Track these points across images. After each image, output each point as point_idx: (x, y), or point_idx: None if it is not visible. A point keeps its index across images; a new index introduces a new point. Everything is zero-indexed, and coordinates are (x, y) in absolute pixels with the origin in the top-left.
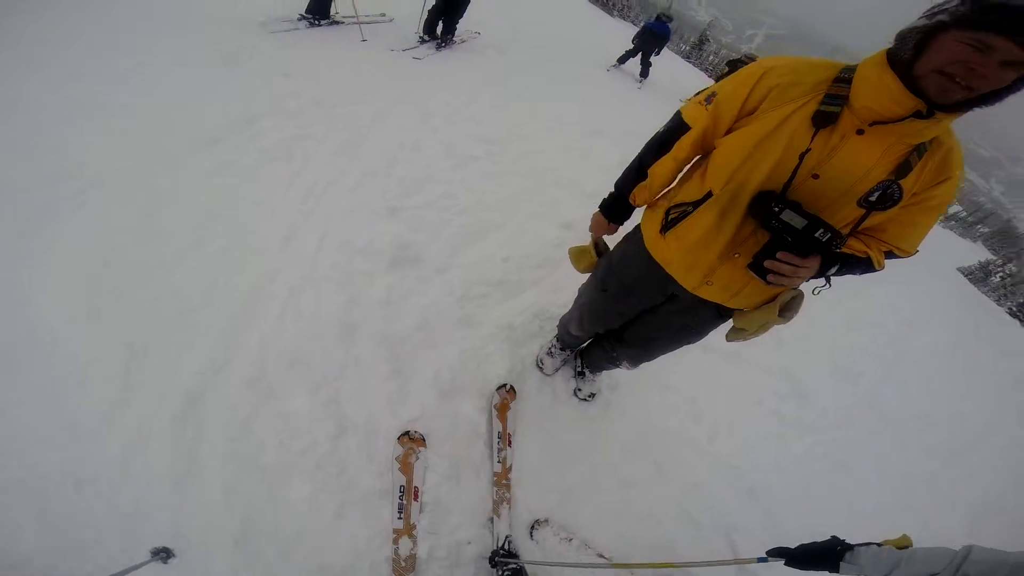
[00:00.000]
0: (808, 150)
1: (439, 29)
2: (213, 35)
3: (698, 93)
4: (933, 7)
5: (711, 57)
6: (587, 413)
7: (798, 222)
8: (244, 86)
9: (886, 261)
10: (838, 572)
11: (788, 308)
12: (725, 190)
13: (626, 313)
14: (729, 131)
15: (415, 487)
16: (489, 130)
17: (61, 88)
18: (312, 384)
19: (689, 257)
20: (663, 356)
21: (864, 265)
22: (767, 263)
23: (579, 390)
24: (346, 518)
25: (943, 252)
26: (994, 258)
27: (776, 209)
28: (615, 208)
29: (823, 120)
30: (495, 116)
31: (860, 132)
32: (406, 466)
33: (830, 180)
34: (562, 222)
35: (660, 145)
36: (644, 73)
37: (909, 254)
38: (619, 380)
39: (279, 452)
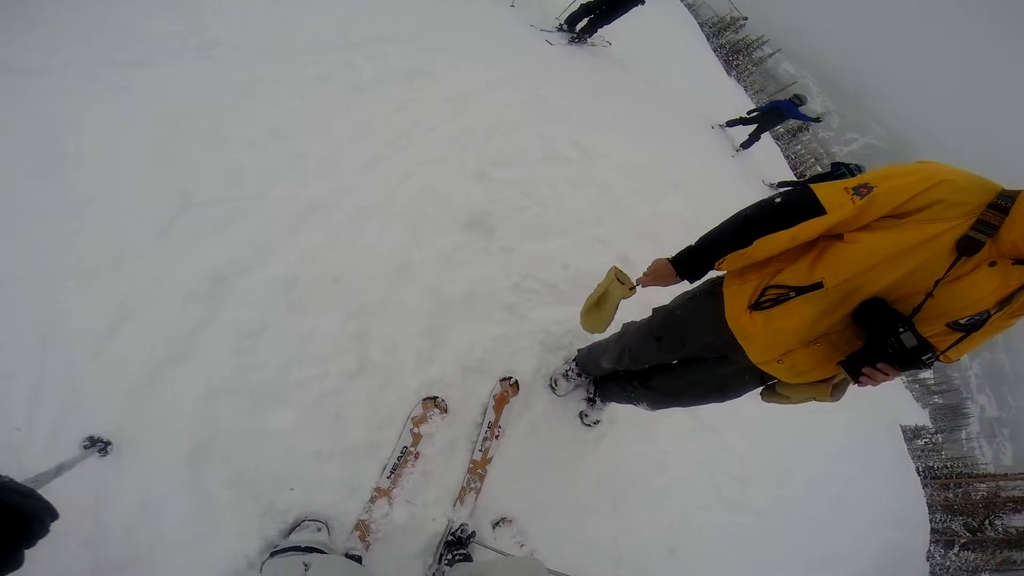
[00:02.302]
0: (944, 277)
1: (580, 25)
2: None
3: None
4: None
5: (799, 147)
6: (582, 438)
7: (910, 342)
8: (392, 8)
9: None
10: None
11: (839, 388)
12: (840, 288)
13: (668, 360)
14: (866, 226)
15: (417, 452)
16: (587, 139)
17: None
18: (347, 311)
19: (773, 340)
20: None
21: None
22: (866, 370)
23: (586, 415)
24: (322, 464)
25: (896, 407)
26: (930, 426)
27: (901, 331)
28: (691, 264)
29: (968, 248)
30: (595, 129)
31: (992, 264)
32: (418, 429)
33: (941, 302)
34: (620, 254)
35: (775, 217)
36: (747, 144)
37: (952, 361)
38: (618, 416)
39: (281, 373)
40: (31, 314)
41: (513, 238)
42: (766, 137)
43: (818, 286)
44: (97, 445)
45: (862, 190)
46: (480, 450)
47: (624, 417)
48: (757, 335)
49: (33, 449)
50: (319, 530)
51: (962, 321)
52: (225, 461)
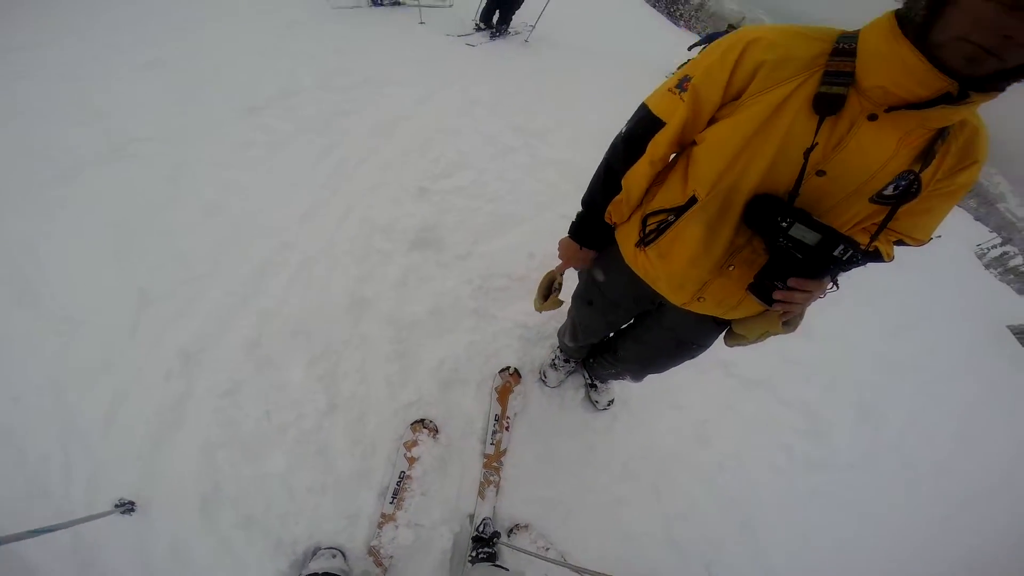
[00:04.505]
0: (814, 145)
1: (495, 18)
2: (278, 2)
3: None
4: None
5: None
6: (592, 425)
7: (810, 238)
8: (295, 58)
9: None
10: None
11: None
12: (713, 196)
13: (616, 323)
14: (712, 121)
15: (413, 476)
16: (531, 124)
17: (114, 43)
18: (311, 356)
19: (677, 276)
20: (677, 372)
21: (871, 258)
22: (778, 294)
23: (597, 402)
24: (318, 497)
25: (996, 307)
26: None
27: (784, 224)
28: (587, 230)
29: (827, 105)
30: (539, 110)
31: (872, 118)
32: (411, 453)
33: (839, 177)
34: None
35: (629, 147)
36: None
37: (922, 243)
38: (631, 394)
39: (263, 421)
40: (47, 415)
41: (466, 243)
42: None
43: (693, 201)
44: (123, 507)
45: (685, 84)
46: (492, 443)
47: (637, 394)
48: (659, 274)
49: (78, 515)
50: (334, 556)
51: (885, 192)
52: (232, 507)
